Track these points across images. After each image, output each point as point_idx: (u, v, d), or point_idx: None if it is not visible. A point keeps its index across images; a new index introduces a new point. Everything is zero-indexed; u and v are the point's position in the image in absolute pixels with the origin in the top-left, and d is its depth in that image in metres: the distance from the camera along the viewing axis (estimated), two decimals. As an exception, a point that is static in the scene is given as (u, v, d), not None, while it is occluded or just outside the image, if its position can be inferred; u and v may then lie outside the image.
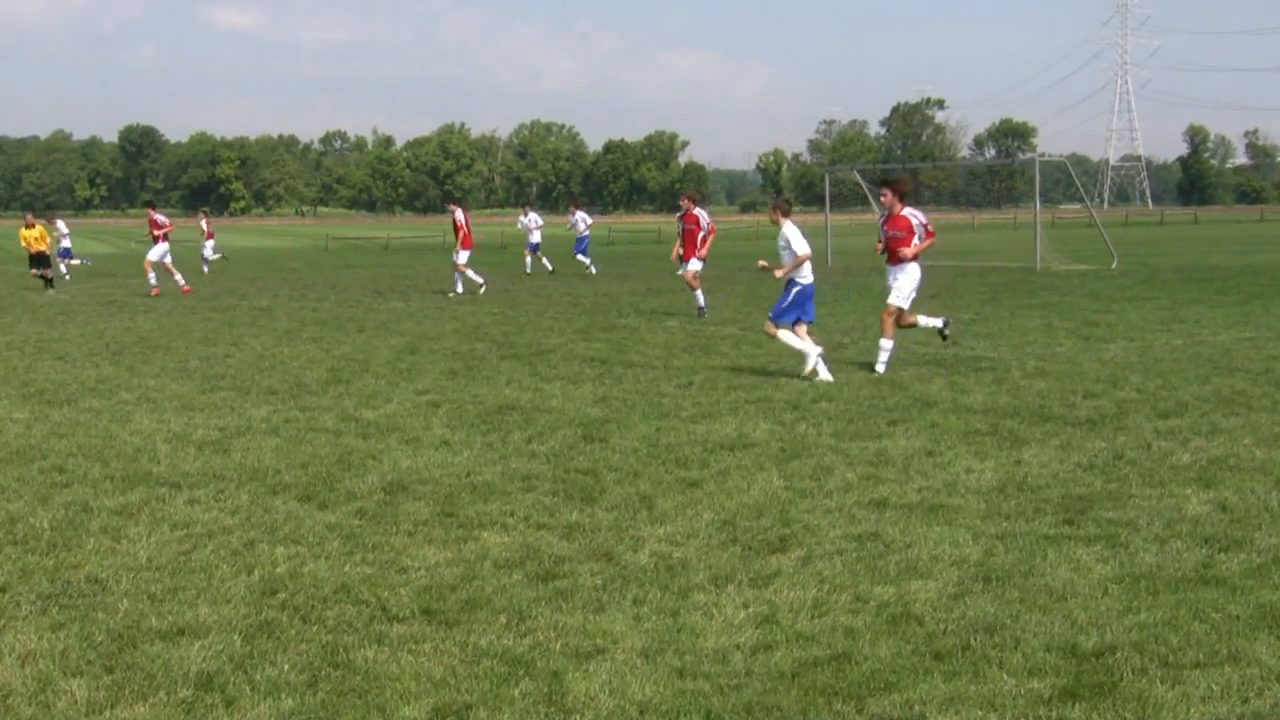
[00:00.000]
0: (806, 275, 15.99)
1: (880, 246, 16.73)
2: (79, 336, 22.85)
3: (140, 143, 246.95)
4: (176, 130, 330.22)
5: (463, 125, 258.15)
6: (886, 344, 16.15)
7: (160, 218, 35.77)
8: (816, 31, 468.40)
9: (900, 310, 16.35)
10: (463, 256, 32.89)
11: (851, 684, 5.90)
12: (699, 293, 25.18)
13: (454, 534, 8.70)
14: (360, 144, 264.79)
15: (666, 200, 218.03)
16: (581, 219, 43.12)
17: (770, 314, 16.13)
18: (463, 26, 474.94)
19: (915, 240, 16.22)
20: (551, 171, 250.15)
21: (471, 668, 6.20)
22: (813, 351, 15.67)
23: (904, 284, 16.35)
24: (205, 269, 47.16)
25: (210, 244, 49.79)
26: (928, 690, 5.82)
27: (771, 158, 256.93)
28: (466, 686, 5.97)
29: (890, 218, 16.50)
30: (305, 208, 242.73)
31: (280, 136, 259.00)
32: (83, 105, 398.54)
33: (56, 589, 7.56)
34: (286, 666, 6.23)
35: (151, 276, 34.22)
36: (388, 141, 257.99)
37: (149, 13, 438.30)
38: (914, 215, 16.38)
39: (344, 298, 32.37)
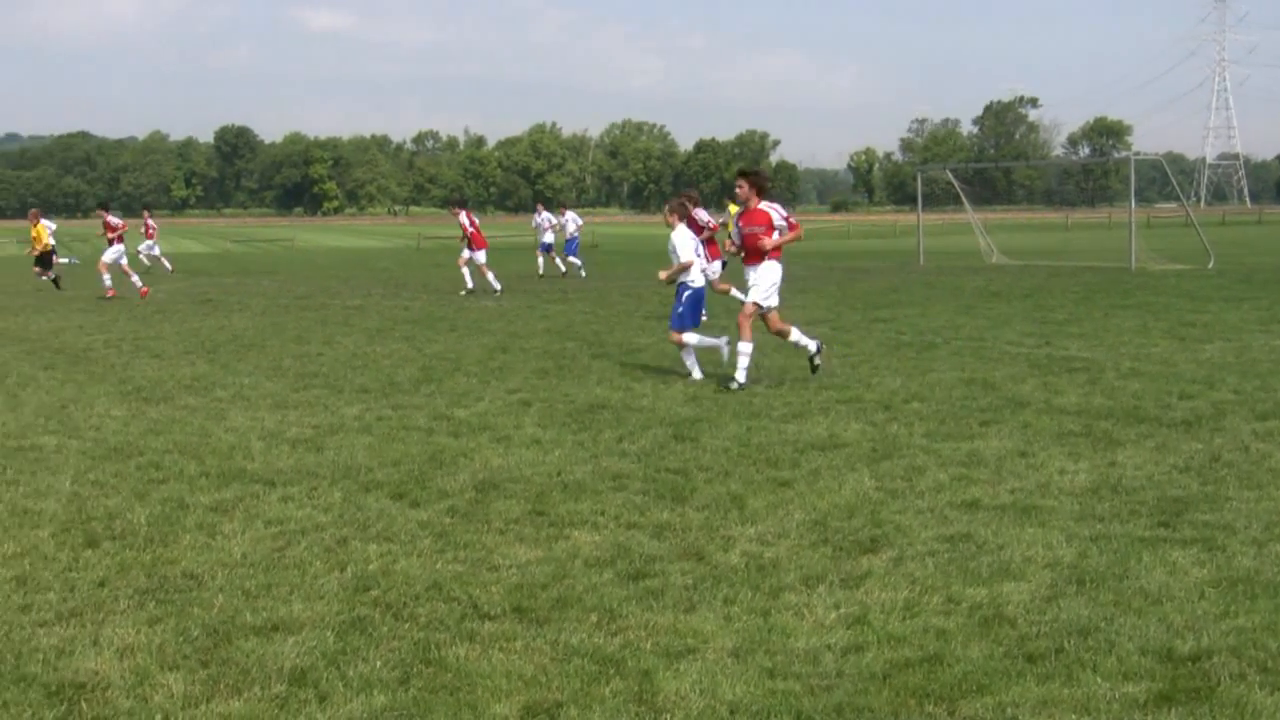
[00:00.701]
0: (697, 280, 16.22)
1: (734, 246, 15.62)
2: (174, 335, 23.18)
3: (235, 143, 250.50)
4: (270, 131, 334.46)
5: (554, 125, 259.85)
6: (745, 347, 15.11)
7: (114, 219, 35.20)
8: (908, 30, 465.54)
9: (761, 310, 15.30)
10: (481, 256, 33.89)
11: (943, 686, 5.85)
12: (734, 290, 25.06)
13: (545, 532, 8.73)
14: (452, 144, 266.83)
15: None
16: (571, 219, 43.32)
17: (671, 325, 16.32)
18: (553, 27, 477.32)
19: (775, 235, 15.12)
20: (642, 171, 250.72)
21: (562, 666, 6.21)
22: (720, 342, 16.34)
23: (763, 280, 15.22)
24: (146, 264, 47.72)
25: (150, 243, 49.98)
26: (1020, 693, 5.76)
27: (863, 157, 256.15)
28: (557, 685, 5.99)
29: (746, 213, 15.33)
30: (397, 207, 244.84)
31: (373, 136, 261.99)
32: (179, 106, 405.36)
33: (153, 584, 7.66)
34: (379, 663, 6.28)
35: (106, 278, 34.04)
36: (479, 141, 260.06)
37: (243, 14, 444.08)
38: (774, 209, 15.23)
39: (435, 297, 32.61)
